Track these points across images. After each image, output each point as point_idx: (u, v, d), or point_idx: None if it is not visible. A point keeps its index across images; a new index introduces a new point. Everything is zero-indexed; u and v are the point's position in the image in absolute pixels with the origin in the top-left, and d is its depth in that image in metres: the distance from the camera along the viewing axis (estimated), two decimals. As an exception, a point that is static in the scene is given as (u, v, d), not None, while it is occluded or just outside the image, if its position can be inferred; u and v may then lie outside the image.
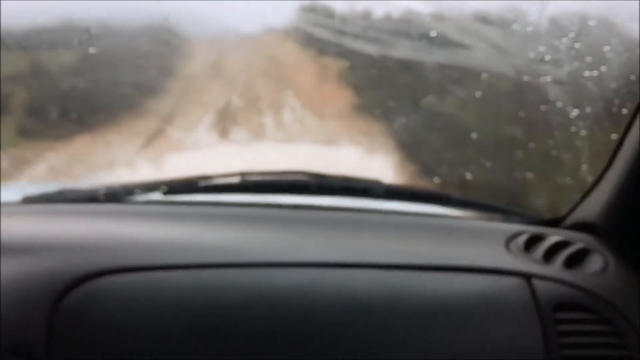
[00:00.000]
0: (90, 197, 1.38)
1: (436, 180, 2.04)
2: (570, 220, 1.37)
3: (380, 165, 2.37)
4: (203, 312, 1.10)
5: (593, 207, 1.30)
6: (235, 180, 1.40)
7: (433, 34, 2.28)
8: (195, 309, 1.10)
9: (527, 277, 1.17)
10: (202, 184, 1.40)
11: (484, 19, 2.36)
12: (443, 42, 2.32)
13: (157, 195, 1.39)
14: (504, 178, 1.47)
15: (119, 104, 2.54)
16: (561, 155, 1.74)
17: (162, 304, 1.09)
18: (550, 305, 1.13)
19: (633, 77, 1.67)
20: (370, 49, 2.53)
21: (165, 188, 1.39)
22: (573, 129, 1.70)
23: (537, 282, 1.16)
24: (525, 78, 2.01)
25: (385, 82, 2.62)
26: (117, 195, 1.39)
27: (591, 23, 2.06)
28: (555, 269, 1.21)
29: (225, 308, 1.10)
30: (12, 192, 1.47)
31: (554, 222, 1.40)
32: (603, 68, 1.84)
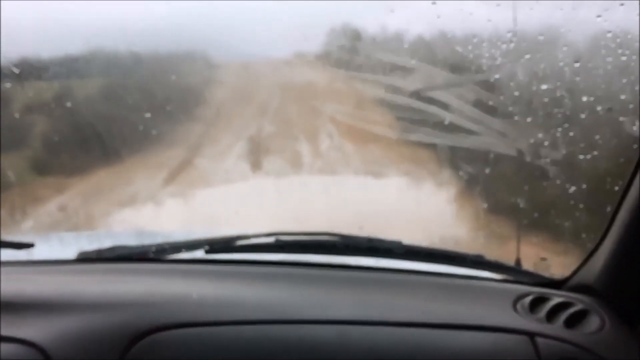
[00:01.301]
0: (140, 255, 1.50)
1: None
2: (572, 282, 1.46)
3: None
4: None
5: (592, 270, 1.39)
6: (270, 240, 1.50)
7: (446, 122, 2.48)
8: None
9: (531, 335, 1.26)
10: (240, 243, 1.51)
11: (490, 110, 2.58)
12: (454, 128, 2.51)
13: (199, 253, 1.50)
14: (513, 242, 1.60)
15: (144, 134, 2.38)
16: (562, 223, 1.88)
17: (210, 357, 1.20)
18: None
19: (622, 160, 1.84)
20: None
21: (207, 247, 1.50)
22: (572, 202, 1.86)
23: (540, 340, 1.25)
24: (528, 159, 2.20)
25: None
26: (164, 253, 1.50)
27: (583, 115, 2.28)
28: (557, 328, 1.30)
29: None
30: (59, 243, 1.60)
31: (558, 284, 1.48)
32: (594, 152, 2.05)
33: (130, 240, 1.56)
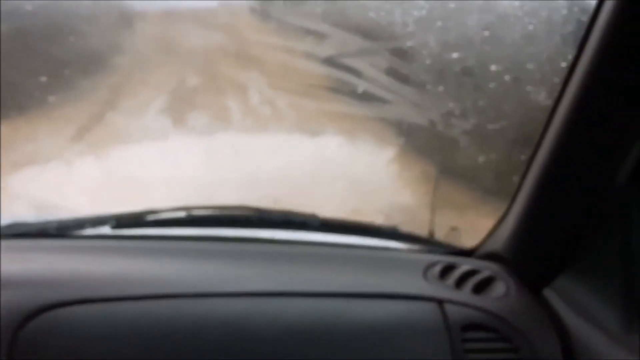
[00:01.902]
0: (41, 232, 1.41)
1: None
2: (482, 250, 1.49)
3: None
4: (150, 340, 1.15)
5: (499, 239, 1.42)
6: (181, 214, 1.44)
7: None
8: (143, 338, 1.15)
9: (439, 301, 1.29)
10: (149, 218, 1.44)
11: (403, 78, 2.60)
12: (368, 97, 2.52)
13: (106, 229, 1.43)
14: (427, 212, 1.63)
15: (49, 84, 2.21)
16: (473, 192, 1.94)
17: (113, 333, 1.14)
18: (459, 326, 1.25)
19: (528, 130, 1.91)
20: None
21: (113, 222, 1.43)
22: (482, 171, 1.92)
23: (448, 306, 1.28)
24: (440, 128, 2.24)
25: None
26: (67, 229, 1.42)
27: (492, 85, 2.34)
28: (464, 294, 1.33)
29: (171, 336, 1.16)
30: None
31: (469, 253, 1.52)
32: (503, 122, 2.11)
33: (30, 216, 1.47)
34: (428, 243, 1.57)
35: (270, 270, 1.36)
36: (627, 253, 1.18)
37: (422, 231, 1.58)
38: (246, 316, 1.21)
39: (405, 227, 1.53)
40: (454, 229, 1.66)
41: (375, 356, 1.21)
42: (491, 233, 1.47)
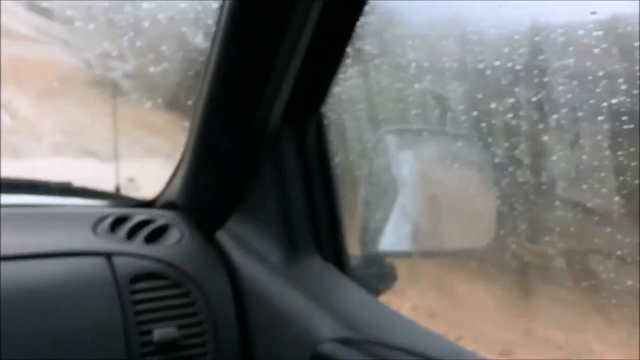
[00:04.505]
0: None
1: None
2: (161, 200, 1.50)
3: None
4: None
5: (175, 187, 1.44)
6: None
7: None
8: None
9: (108, 255, 1.27)
10: None
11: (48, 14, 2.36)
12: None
13: None
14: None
15: None
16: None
17: None
18: (127, 278, 1.25)
19: (191, 73, 1.92)
20: None
21: None
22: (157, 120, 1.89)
23: (117, 259, 1.27)
24: (98, 71, 2.11)
25: None
26: None
27: (146, 24, 2.27)
28: (135, 245, 1.33)
29: None
30: None
31: (149, 204, 1.51)
32: (164, 64, 2.08)
33: None
34: (105, 197, 1.52)
35: None
36: (283, 191, 1.29)
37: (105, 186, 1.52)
38: None
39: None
40: (131, 180, 1.64)
41: (43, 318, 1.16)
42: (169, 182, 1.48)
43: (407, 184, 1.50)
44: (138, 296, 1.25)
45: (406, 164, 1.51)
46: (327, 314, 1.14)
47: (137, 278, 1.27)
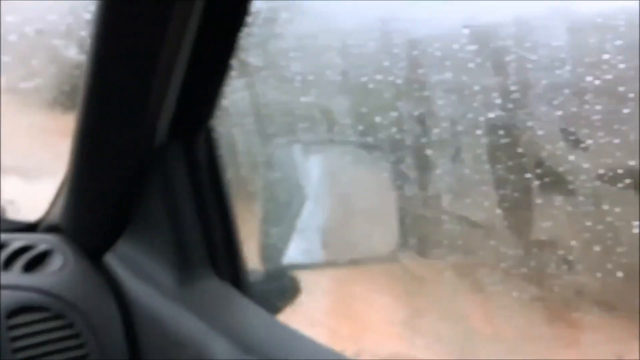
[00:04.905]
0: None
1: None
2: (45, 224, 1.40)
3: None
4: None
5: (59, 208, 1.35)
6: None
7: None
8: None
9: None
10: None
11: None
12: None
13: None
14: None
15: None
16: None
17: None
18: (5, 313, 1.15)
19: (66, 88, 1.81)
20: None
21: None
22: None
23: None
24: None
25: None
26: None
27: (12, 38, 2.12)
28: (12, 276, 1.22)
29: None
30: None
31: (31, 227, 1.41)
32: (37, 80, 1.95)
33: None
34: None
35: None
36: (174, 208, 1.23)
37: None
38: None
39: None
40: (11, 202, 1.51)
41: None
42: (53, 204, 1.38)
43: (307, 196, 1.50)
44: (16, 332, 1.15)
45: (304, 175, 1.51)
46: (222, 337, 1.10)
47: (14, 312, 1.16)
